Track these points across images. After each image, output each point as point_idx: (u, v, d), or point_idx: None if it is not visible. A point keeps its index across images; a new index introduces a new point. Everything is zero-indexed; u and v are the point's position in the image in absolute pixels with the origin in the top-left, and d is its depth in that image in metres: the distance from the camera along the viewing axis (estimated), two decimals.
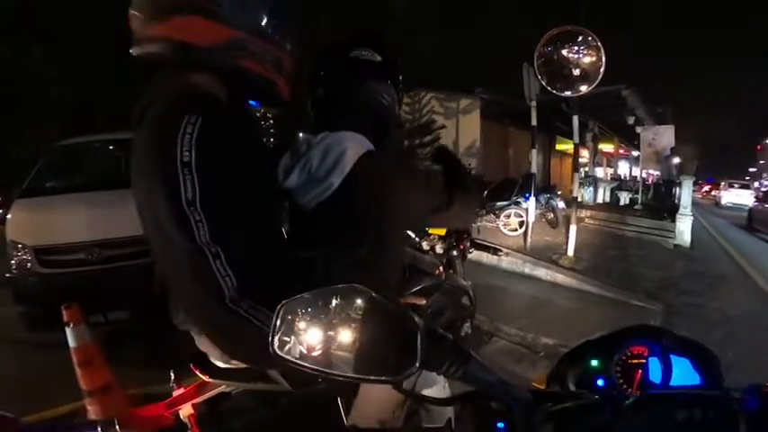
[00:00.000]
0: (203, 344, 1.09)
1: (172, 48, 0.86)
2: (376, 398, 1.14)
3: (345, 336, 0.53)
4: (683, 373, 0.66)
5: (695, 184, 10.59)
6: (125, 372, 2.49)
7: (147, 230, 0.86)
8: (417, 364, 0.51)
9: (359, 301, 0.54)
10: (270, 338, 0.54)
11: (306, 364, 0.54)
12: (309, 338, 0.54)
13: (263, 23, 0.93)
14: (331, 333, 0.54)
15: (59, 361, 2.68)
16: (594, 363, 0.67)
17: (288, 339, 0.55)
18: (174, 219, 0.75)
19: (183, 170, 0.75)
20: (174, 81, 0.90)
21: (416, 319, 0.53)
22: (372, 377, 0.54)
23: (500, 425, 0.54)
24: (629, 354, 0.66)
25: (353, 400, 1.18)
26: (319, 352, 0.54)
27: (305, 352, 0.54)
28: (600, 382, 0.62)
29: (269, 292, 0.69)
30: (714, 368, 0.65)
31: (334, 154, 1.09)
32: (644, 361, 0.65)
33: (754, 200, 13.81)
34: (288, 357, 0.55)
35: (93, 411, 2.31)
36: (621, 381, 0.67)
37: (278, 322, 0.55)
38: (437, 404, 0.70)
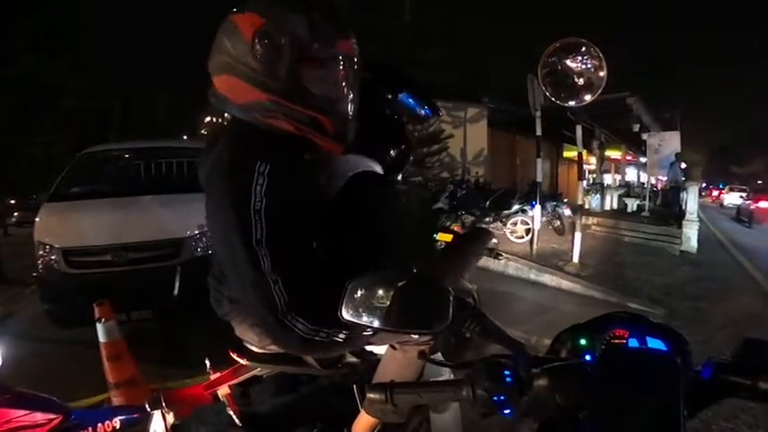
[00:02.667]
0: (241, 331, 1.25)
1: (218, 99, 1.07)
2: (391, 376, 1.25)
3: (396, 302, 0.73)
4: None
5: (705, 188, 12.50)
6: (146, 368, 2.64)
7: (219, 256, 1.10)
8: (449, 321, 0.71)
9: (405, 277, 0.74)
10: (339, 307, 0.75)
11: (365, 323, 0.75)
12: (370, 304, 0.74)
13: (295, 89, 1.03)
14: (385, 300, 0.73)
15: (83, 356, 2.84)
16: (583, 341, 0.77)
17: (354, 306, 0.75)
18: (245, 254, 0.95)
19: (254, 216, 0.95)
20: (236, 127, 1.07)
21: (449, 289, 0.73)
22: (415, 331, 0.75)
23: (507, 372, 0.67)
24: (611, 335, 0.75)
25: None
26: (377, 314, 0.74)
27: (365, 315, 0.74)
28: (588, 357, 0.72)
29: (310, 305, 0.97)
30: (684, 349, 0.74)
31: (333, 171, 1.22)
32: (624, 341, 0.74)
33: (741, 199, 20.60)
34: (352, 319, 0.75)
35: (118, 403, 2.46)
36: None
37: (347, 294, 0.76)
38: (454, 368, 0.84)
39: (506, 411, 0.66)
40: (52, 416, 1.24)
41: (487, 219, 7.93)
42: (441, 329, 0.72)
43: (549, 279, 5.79)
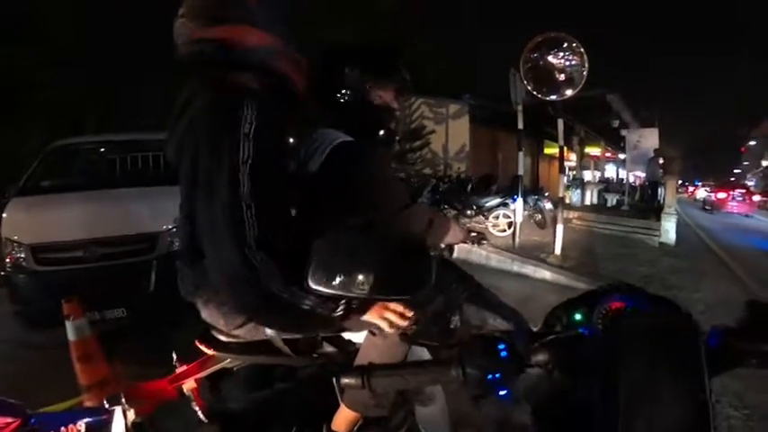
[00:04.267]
0: (208, 315, 1.17)
1: (219, 48, 1.06)
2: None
3: (370, 263, 0.64)
4: None
5: (682, 185, 14.85)
6: (120, 369, 2.52)
7: (188, 188, 1.05)
8: (431, 283, 0.63)
9: (382, 236, 0.65)
10: (305, 273, 0.65)
11: (336, 291, 0.65)
12: (339, 268, 0.65)
13: (285, 30, 1.13)
14: (358, 263, 0.64)
15: (55, 360, 2.71)
16: (578, 316, 0.73)
17: (322, 272, 0.65)
18: (227, 174, 0.95)
19: (243, 139, 0.96)
20: (219, 78, 1.06)
21: (429, 249, 0.64)
22: (394, 296, 0.66)
23: (502, 346, 0.61)
24: (608, 308, 0.71)
25: None
26: (347, 279, 0.64)
27: (338, 282, 0.65)
28: (585, 332, 0.66)
29: (281, 252, 0.90)
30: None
31: (315, 146, 1.25)
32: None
33: (706, 193, 26.57)
34: (320, 288, 0.66)
35: (90, 406, 2.35)
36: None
37: (314, 258, 0.66)
38: (446, 347, 0.75)
39: (502, 392, 0.59)
40: (9, 419, 1.15)
41: (469, 212, 7.95)
42: (423, 293, 0.64)
43: (531, 270, 5.83)
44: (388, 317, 1.04)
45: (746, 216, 18.88)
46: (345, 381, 0.66)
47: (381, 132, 1.40)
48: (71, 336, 2.36)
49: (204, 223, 1.01)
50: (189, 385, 1.27)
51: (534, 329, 0.74)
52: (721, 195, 22.17)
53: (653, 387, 0.53)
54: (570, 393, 0.62)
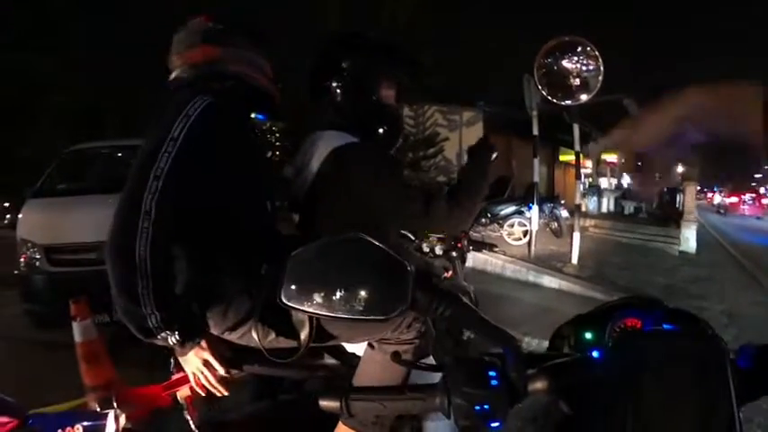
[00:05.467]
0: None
1: (187, 67, 1.16)
2: (372, 382, 1.13)
3: (345, 280, 0.57)
4: None
5: (701, 192, 16.15)
6: (126, 372, 2.50)
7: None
8: (407, 304, 0.55)
9: (358, 248, 0.58)
10: (278, 288, 0.60)
11: (308, 309, 0.59)
12: (314, 284, 0.59)
13: (246, 41, 1.21)
14: (332, 279, 0.58)
15: (64, 360, 2.71)
16: (588, 335, 0.65)
17: (294, 287, 0.59)
18: (151, 147, 0.99)
19: (182, 119, 0.99)
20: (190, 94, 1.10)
21: (408, 265, 0.56)
22: (368, 317, 0.57)
23: (492, 373, 0.53)
24: (622, 326, 0.64)
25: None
26: (320, 297, 0.58)
27: (309, 298, 0.59)
28: (595, 354, 0.58)
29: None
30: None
31: (314, 148, 1.23)
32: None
33: (720, 197, 29.33)
34: (293, 305, 0.59)
35: (94, 407, 2.33)
36: None
37: (287, 272, 0.60)
38: (431, 370, 0.66)
39: (494, 424, 0.51)
40: (6, 419, 1.13)
41: (483, 220, 7.84)
42: (397, 314, 0.56)
43: (548, 280, 5.69)
44: (200, 368, 1.03)
45: (758, 218, 20.81)
46: (324, 404, 0.60)
47: (381, 131, 1.33)
48: (77, 337, 2.35)
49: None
50: (183, 393, 1.21)
51: (536, 349, 0.65)
52: (733, 200, 26.28)
53: (671, 423, 0.46)
54: (576, 426, 0.54)
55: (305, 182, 1.24)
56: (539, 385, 0.54)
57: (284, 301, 0.59)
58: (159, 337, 0.98)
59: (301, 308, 0.59)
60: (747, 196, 25.43)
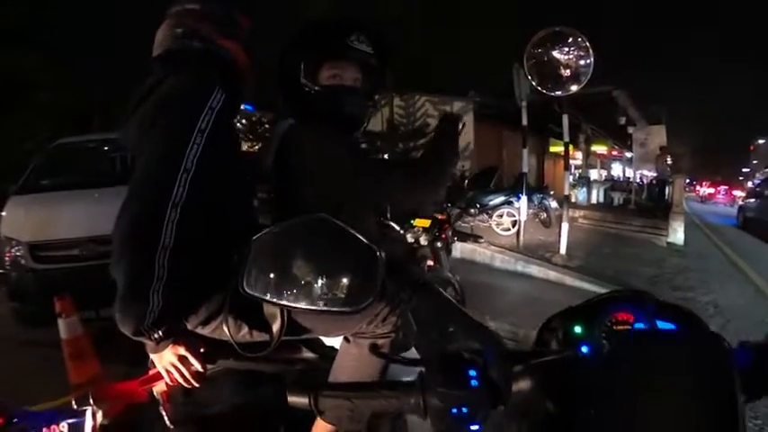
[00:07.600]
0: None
1: (200, 37, 1.12)
2: (348, 377, 1.13)
3: (309, 267, 0.54)
4: None
5: (690, 184, 18.58)
6: (113, 368, 2.48)
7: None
8: (376, 292, 0.52)
9: (325, 231, 0.55)
10: (240, 276, 0.57)
11: (272, 299, 0.56)
12: (276, 272, 0.56)
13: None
14: (296, 266, 0.55)
15: (50, 358, 2.68)
16: (578, 329, 0.63)
17: (256, 275, 0.56)
18: (176, 140, 0.97)
19: (208, 111, 0.98)
20: (186, 66, 1.08)
21: (377, 249, 0.53)
22: (335, 308, 0.54)
23: (472, 373, 0.49)
24: (613, 320, 0.63)
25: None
26: (284, 285, 0.55)
27: (272, 287, 0.56)
28: (584, 349, 0.55)
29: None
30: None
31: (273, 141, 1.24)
32: (629, 327, 0.62)
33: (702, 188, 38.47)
34: (255, 294, 0.56)
35: (80, 405, 2.31)
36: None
37: (250, 259, 0.57)
38: (408, 365, 0.62)
39: (473, 428, 0.48)
40: None
41: (473, 210, 7.84)
42: (367, 305, 0.53)
43: (536, 270, 5.74)
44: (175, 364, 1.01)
45: (726, 205, 26.00)
46: (292, 400, 0.57)
47: (342, 114, 1.25)
48: (63, 334, 2.34)
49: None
50: (159, 388, 1.20)
51: (523, 348, 0.64)
52: (710, 191, 35.82)
53: (671, 425, 0.44)
54: (563, 426, 0.51)
55: (268, 173, 1.26)
56: (523, 385, 0.51)
57: (246, 290, 0.57)
58: (148, 335, 0.96)
59: (264, 297, 0.57)
60: (722, 188, 34.61)
